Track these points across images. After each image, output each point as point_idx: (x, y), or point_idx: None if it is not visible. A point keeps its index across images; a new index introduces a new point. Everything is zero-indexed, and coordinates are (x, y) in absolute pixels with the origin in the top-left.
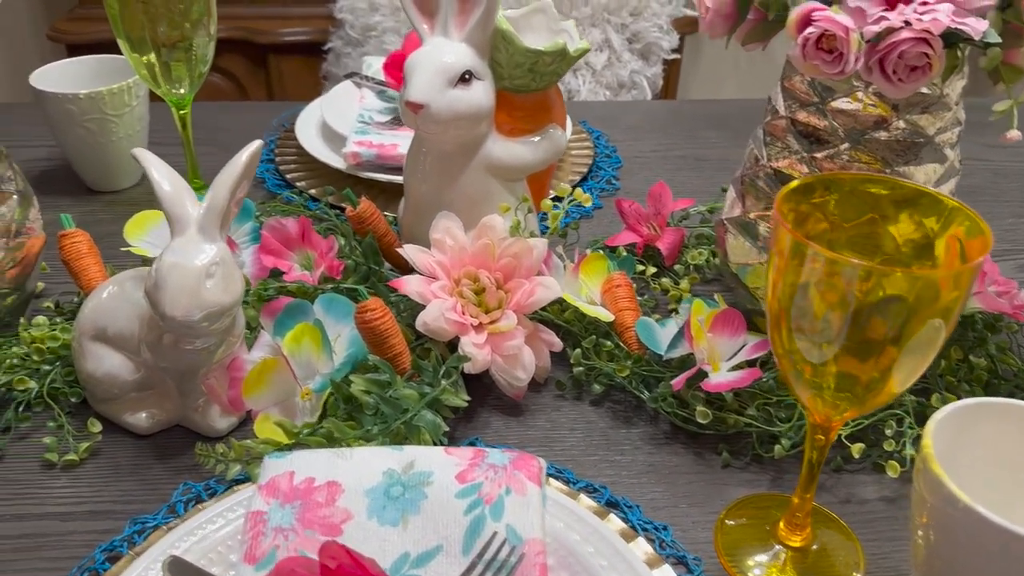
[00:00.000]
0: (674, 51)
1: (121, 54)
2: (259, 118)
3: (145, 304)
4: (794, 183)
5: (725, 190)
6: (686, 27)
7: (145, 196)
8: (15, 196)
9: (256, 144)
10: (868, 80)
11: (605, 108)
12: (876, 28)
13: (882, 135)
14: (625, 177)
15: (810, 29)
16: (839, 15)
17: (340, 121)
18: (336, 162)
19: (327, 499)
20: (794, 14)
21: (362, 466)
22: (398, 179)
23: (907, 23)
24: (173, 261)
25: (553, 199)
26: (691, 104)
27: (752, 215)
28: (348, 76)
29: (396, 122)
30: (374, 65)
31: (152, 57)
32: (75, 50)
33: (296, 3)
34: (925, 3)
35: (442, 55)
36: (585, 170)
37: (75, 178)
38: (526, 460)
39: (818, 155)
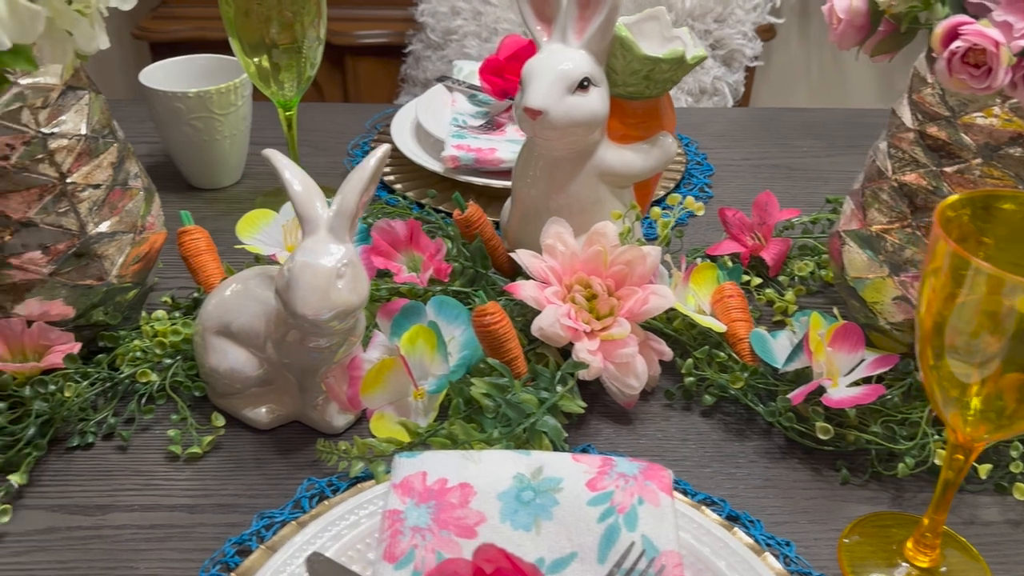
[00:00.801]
0: (756, 58)
1: (215, 53)
2: (347, 119)
3: (271, 302)
4: (955, 197)
5: (831, 201)
6: (763, 34)
7: (246, 194)
8: (141, 192)
9: (384, 148)
10: (1012, 95)
11: (691, 115)
12: (1023, 43)
13: (1017, 151)
14: (718, 185)
15: (957, 43)
16: (988, 29)
17: (435, 124)
18: (432, 164)
19: (460, 501)
20: (940, 28)
21: (492, 469)
22: (495, 183)
23: None
24: (305, 261)
25: (663, 207)
26: (780, 112)
27: (875, 228)
28: (440, 80)
29: (489, 126)
30: (465, 69)
31: (263, 58)
32: (158, 48)
33: (375, 5)
34: None
35: (561, 62)
36: (678, 177)
37: (176, 175)
38: (656, 470)
39: (948, 169)
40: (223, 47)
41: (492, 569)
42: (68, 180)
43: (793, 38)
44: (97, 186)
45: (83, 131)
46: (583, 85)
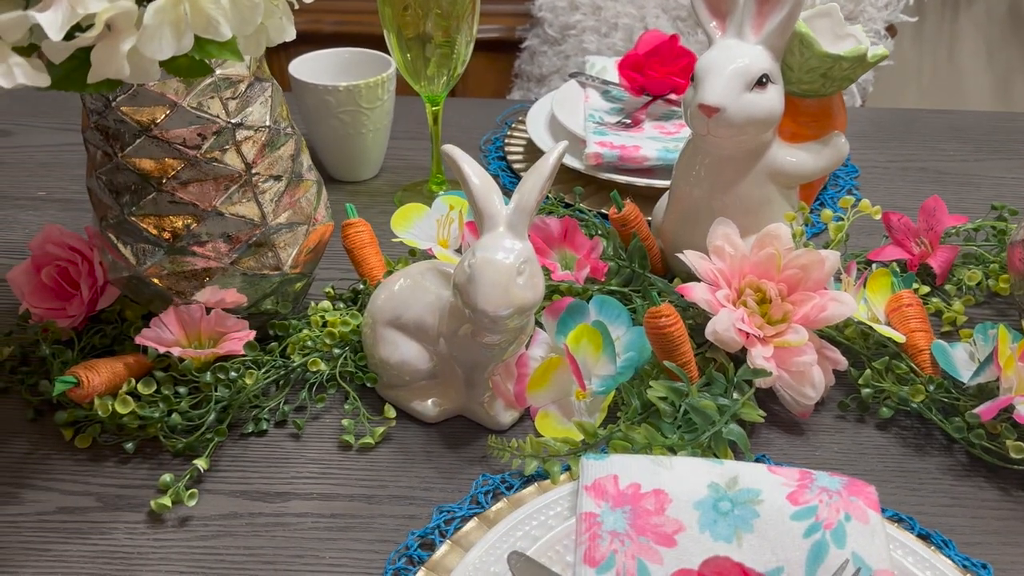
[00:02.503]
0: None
1: (333, 47)
2: (478, 114)
3: (445, 297)
4: None
5: (997, 208)
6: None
7: (385, 187)
8: (314, 184)
9: (562, 145)
10: None
11: None
12: None
13: None
14: (864, 188)
15: None
16: None
17: (571, 120)
18: (573, 162)
19: (656, 507)
20: None
21: (685, 477)
22: (637, 181)
23: None
24: (487, 257)
25: (835, 209)
26: (924, 113)
27: None
28: (573, 75)
29: (626, 123)
30: (597, 65)
31: (416, 54)
32: None
33: (490, 0)
34: None
35: (738, 57)
36: (824, 178)
37: (318, 167)
38: (860, 486)
39: None
40: (337, 40)
41: None
42: (253, 171)
43: (907, 38)
44: (278, 177)
45: (267, 122)
46: (761, 82)
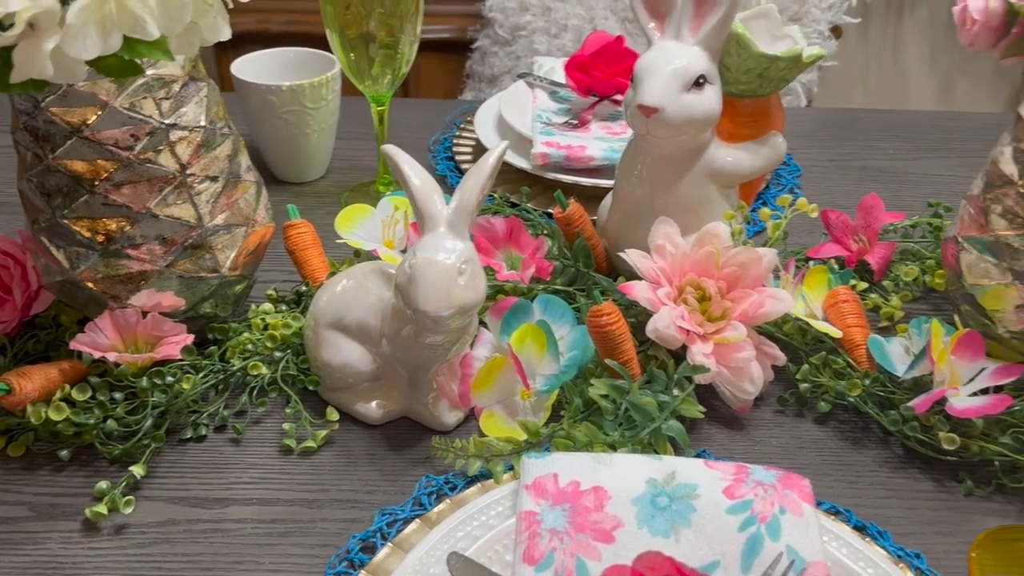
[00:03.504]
0: (829, 58)
1: (279, 47)
2: (425, 114)
3: (386, 298)
4: None
5: (933, 205)
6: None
7: (331, 188)
8: (253, 185)
9: (503, 144)
10: None
11: None
12: None
13: None
14: (806, 186)
15: None
16: None
17: (519, 121)
18: (520, 162)
19: (595, 504)
20: None
21: (624, 473)
22: (583, 181)
23: None
24: (428, 258)
25: (772, 207)
26: (864, 113)
27: (998, 234)
28: (521, 76)
29: (573, 123)
30: (545, 65)
31: (360, 54)
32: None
33: (440, 0)
34: None
35: (676, 59)
36: (767, 177)
37: (262, 168)
38: (794, 479)
39: None
40: (286, 40)
41: None
42: (188, 172)
43: (853, 39)
44: (214, 178)
45: (202, 122)
46: (699, 83)
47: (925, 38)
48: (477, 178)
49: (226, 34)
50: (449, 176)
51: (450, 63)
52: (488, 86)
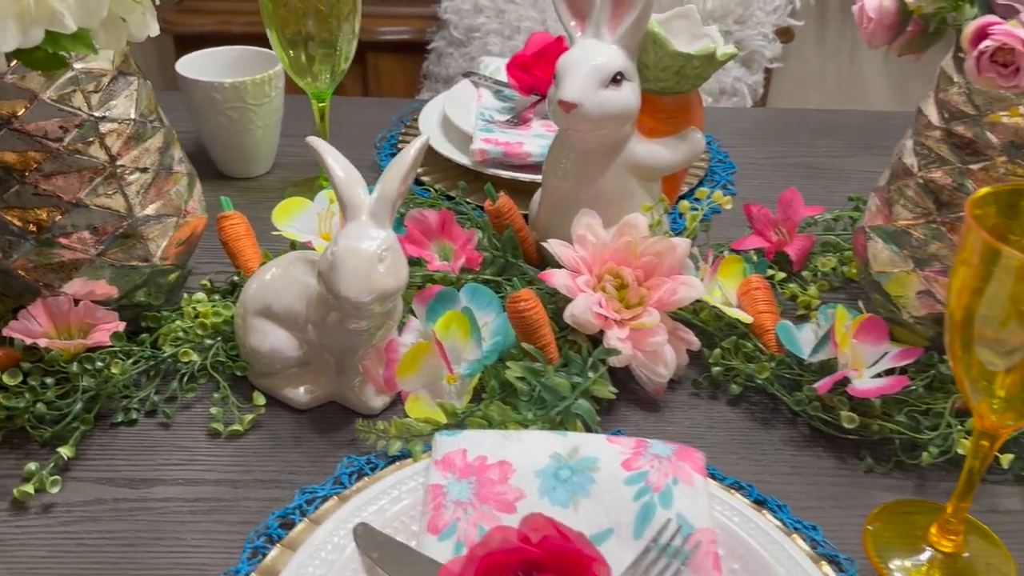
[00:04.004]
0: (775, 60)
1: (239, 46)
2: (375, 113)
3: (312, 285)
4: (985, 191)
5: (853, 199)
6: (780, 37)
7: (276, 183)
8: (185, 177)
9: (423, 138)
10: None
11: (713, 113)
12: None
13: None
14: (740, 183)
15: (986, 43)
16: (1017, 29)
17: (462, 118)
18: (460, 158)
19: (500, 477)
20: (970, 28)
21: (530, 449)
22: (522, 176)
23: None
24: (349, 245)
25: (691, 200)
26: (801, 112)
27: (900, 223)
28: (466, 75)
29: (515, 121)
30: (491, 65)
31: (299, 51)
32: (181, 41)
33: (398, 3)
34: None
35: (595, 56)
36: (701, 174)
37: (209, 164)
38: (689, 452)
39: (973, 167)
40: (245, 40)
41: (539, 537)
42: (118, 163)
43: (809, 42)
44: (145, 170)
45: (132, 116)
46: (616, 79)
47: None
48: (398, 169)
49: (154, 31)
50: None
51: (408, 64)
52: (444, 86)
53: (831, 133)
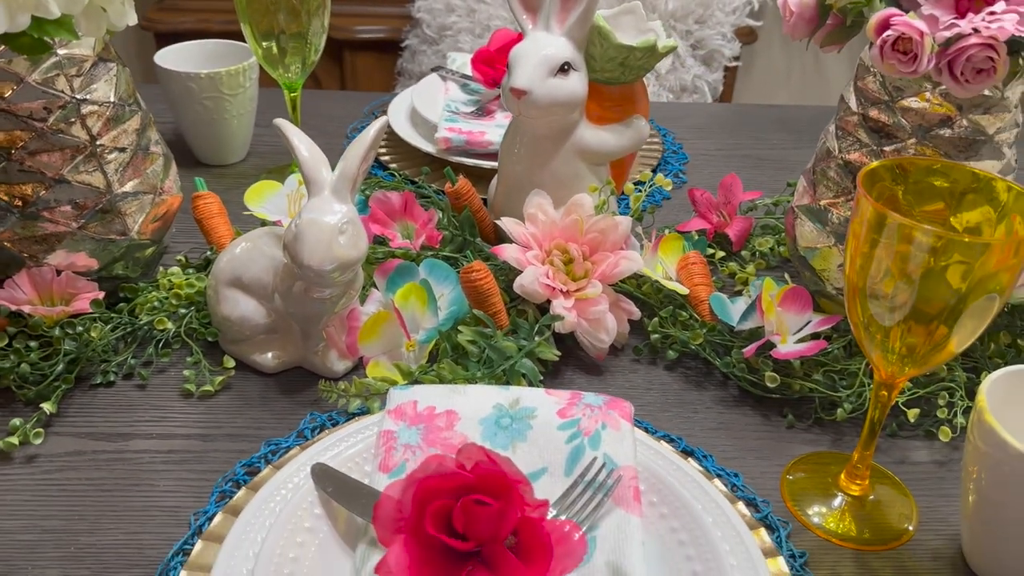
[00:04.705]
0: (735, 59)
1: (214, 39)
2: (347, 106)
3: (278, 257)
4: (874, 164)
5: (791, 184)
6: (745, 37)
7: (251, 170)
8: (160, 158)
9: (382, 120)
10: (938, 80)
11: (671, 109)
12: (947, 33)
13: (946, 132)
14: (691, 172)
15: (888, 32)
16: (915, 20)
17: (429, 109)
18: (426, 146)
19: (447, 424)
20: (874, 19)
21: (475, 400)
22: (484, 163)
23: (975, 30)
24: (311, 218)
25: (635, 183)
26: (754, 108)
27: (823, 203)
28: (435, 70)
29: (479, 112)
30: (458, 60)
31: (272, 44)
32: (162, 38)
33: (373, 2)
34: (992, 12)
35: (544, 47)
36: (655, 163)
37: (187, 152)
38: (618, 402)
39: (887, 148)
40: (224, 38)
41: (472, 463)
42: (98, 143)
43: (775, 43)
44: (123, 149)
45: (112, 99)
46: (564, 69)
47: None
48: (358, 148)
49: (132, 20)
50: None
51: (384, 61)
52: (418, 82)
53: (783, 127)
